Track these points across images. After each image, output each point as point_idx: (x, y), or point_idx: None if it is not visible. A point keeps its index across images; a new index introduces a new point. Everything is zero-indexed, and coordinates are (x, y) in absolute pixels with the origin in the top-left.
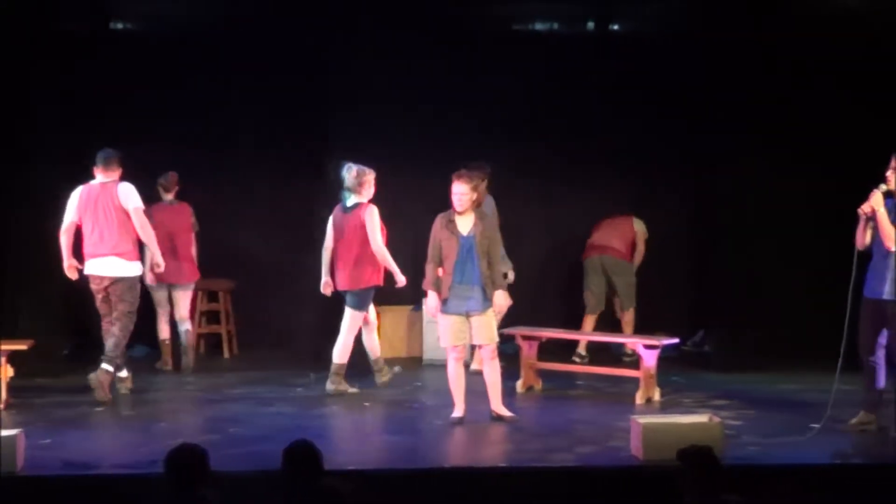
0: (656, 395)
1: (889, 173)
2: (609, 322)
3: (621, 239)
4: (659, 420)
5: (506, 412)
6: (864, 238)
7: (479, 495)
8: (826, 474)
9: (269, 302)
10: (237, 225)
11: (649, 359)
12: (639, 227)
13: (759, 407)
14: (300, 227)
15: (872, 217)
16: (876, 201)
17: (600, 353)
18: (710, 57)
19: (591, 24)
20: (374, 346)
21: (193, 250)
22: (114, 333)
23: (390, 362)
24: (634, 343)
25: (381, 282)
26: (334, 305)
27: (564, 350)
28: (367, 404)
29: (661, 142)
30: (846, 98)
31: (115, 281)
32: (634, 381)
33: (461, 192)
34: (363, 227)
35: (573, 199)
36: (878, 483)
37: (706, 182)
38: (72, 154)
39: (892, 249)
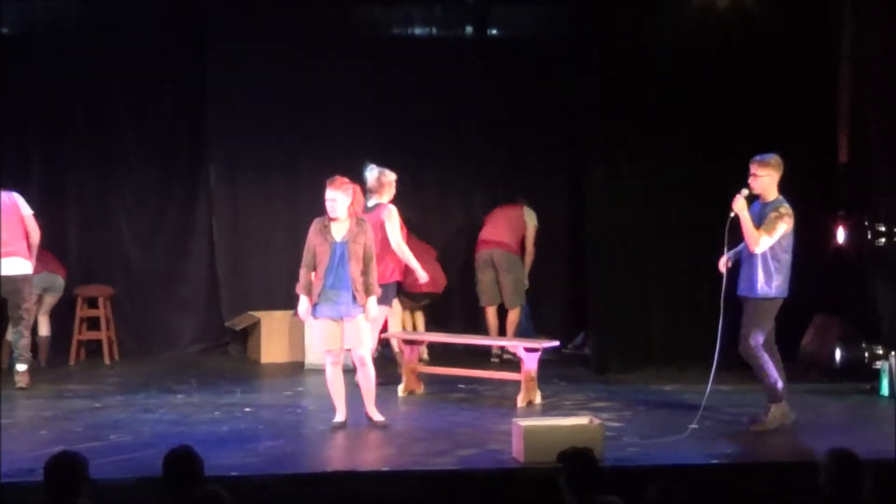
0: (537, 398)
1: (750, 179)
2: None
3: (513, 233)
4: (540, 423)
5: (378, 417)
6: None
7: (360, 500)
8: (704, 473)
9: (149, 308)
10: (116, 231)
11: (530, 362)
12: (529, 218)
13: (639, 408)
14: (180, 233)
15: (737, 220)
16: (739, 206)
17: (477, 355)
18: (585, 59)
19: (469, 29)
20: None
21: None
22: (24, 335)
23: (272, 367)
24: (515, 346)
25: (400, 277)
26: (214, 311)
27: (474, 353)
28: (248, 409)
29: (538, 145)
30: (724, 98)
31: (24, 278)
32: (516, 385)
33: (332, 197)
34: (382, 226)
35: (449, 204)
36: (755, 481)
37: (583, 183)
38: None
39: (755, 252)
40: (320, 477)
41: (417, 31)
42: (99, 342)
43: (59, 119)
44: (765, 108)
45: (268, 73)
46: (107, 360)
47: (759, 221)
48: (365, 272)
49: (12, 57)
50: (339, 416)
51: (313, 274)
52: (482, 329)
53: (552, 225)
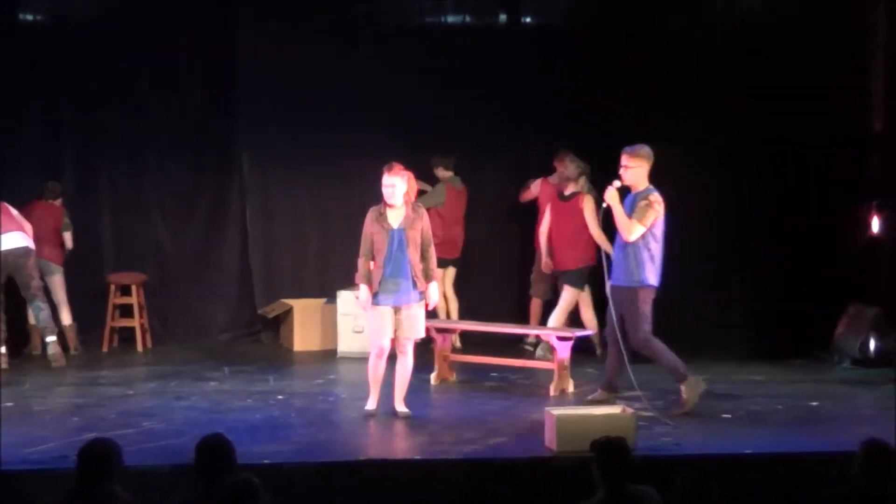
0: (570, 387)
1: (621, 170)
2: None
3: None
4: (572, 412)
5: (403, 409)
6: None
7: (392, 487)
8: (736, 463)
9: (182, 295)
10: (149, 218)
11: (563, 351)
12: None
13: (671, 398)
14: (212, 221)
15: (610, 211)
16: (610, 197)
17: (511, 345)
18: (616, 45)
19: (502, 17)
20: (591, 321)
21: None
22: (42, 307)
23: (305, 355)
24: (548, 335)
25: (593, 262)
26: (247, 299)
27: (510, 342)
28: (280, 397)
29: (570, 132)
30: (755, 86)
31: (25, 252)
32: (548, 373)
33: (391, 183)
34: (579, 214)
35: (481, 191)
36: (787, 471)
37: (613, 173)
38: None
39: (629, 240)
40: (352, 465)
41: (450, 19)
42: (131, 329)
43: (91, 108)
44: (797, 98)
45: (298, 62)
46: (139, 348)
47: (630, 211)
48: (424, 258)
49: (44, 46)
50: (371, 405)
51: (371, 263)
52: (523, 317)
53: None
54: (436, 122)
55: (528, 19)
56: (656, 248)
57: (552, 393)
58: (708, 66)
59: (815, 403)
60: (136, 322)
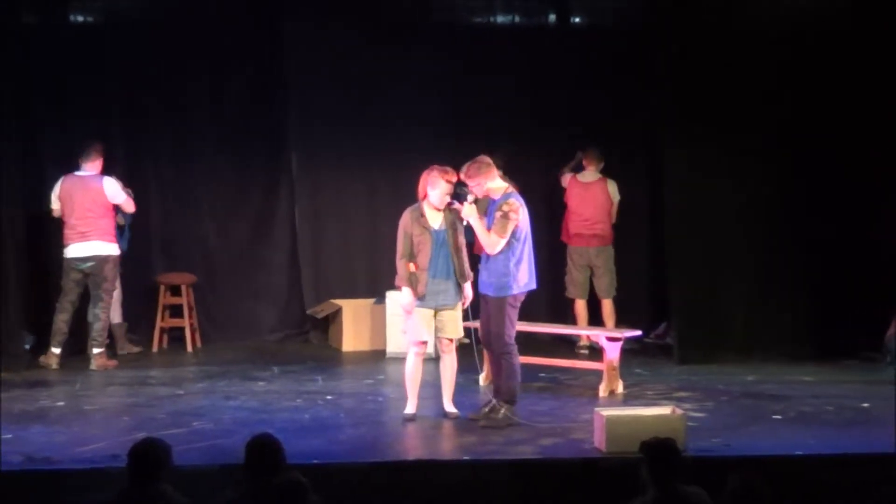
0: (619, 388)
1: (468, 187)
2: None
3: (606, 218)
4: (622, 412)
5: (452, 409)
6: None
7: (441, 488)
8: (787, 465)
9: (231, 295)
10: (199, 219)
11: (612, 351)
12: (613, 191)
13: (721, 398)
14: (261, 220)
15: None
16: (466, 213)
17: (559, 345)
18: (664, 44)
19: (552, 17)
20: None
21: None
22: (100, 318)
23: (353, 355)
24: (597, 335)
25: None
26: (296, 299)
27: (558, 343)
28: (329, 397)
29: (618, 133)
30: (803, 86)
31: (105, 259)
32: (597, 374)
33: (449, 189)
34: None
35: (527, 191)
36: (839, 472)
37: (664, 172)
38: (29, 145)
39: (492, 254)
40: (401, 465)
41: (500, 18)
42: (181, 329)
43: (140, 108)
44: (843, 96)
45: (346, 60)
46: (189, 348)
47: (490, 220)
48: (459, 258)
49: (93, 45)
50: (411, 408)
51: (412, 265)
52: (568, 319)
53: (632, 212)
54: (482, 121)
55: (578, 19)
56: (522, 249)
57: (601, 394)
58: (753, 66)
59: (866, 404)
60: (185, 322)
